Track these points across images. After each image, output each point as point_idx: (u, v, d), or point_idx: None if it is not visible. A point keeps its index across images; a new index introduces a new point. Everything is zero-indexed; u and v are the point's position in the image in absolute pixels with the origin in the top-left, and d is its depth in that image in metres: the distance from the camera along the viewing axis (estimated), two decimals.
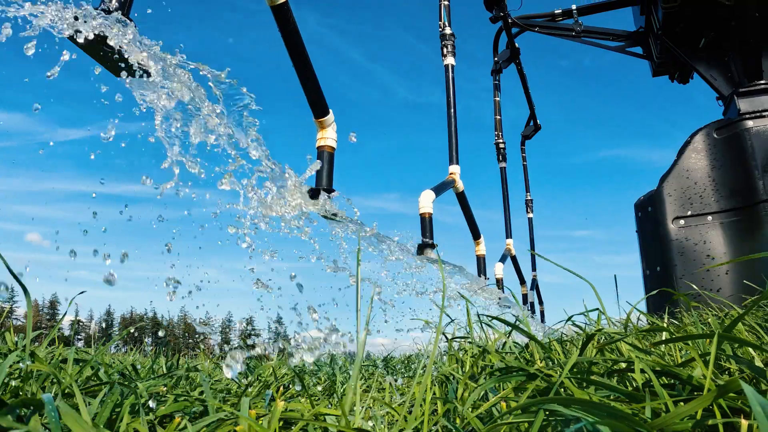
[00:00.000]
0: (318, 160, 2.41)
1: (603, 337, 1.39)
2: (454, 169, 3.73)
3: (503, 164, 6.38)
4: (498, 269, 5.17)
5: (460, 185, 3.73)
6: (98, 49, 1.23)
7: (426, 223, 3.12)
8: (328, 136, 2.40)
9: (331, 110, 2.43)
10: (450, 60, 4.12)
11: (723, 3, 4.98)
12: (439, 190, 3.38)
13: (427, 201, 3.16)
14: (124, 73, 1.32)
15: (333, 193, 2.31)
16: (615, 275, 1.97)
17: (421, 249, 3.02)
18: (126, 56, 1.21)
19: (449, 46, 4.15)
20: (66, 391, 1.10)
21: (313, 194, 2.34)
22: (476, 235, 4.07)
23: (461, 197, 3.80)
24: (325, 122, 2.41)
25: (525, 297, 6.50)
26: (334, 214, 2.25)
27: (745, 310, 1.00)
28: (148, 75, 1.24)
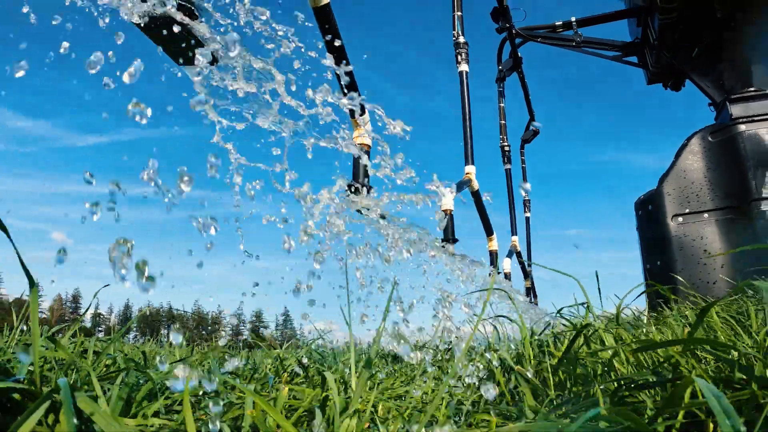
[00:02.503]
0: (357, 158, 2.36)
1: (590, 331, 1.37)
2: (470, 170, 3.69)
3: (508, 166, 6.36)
4: (506, 264, 5.14)
5: (476, 184, 3.69)
6: (161, 31, 1.16)
7: (447, 220, 3.08)
8: (364, 135, 2.36)
9: (367, 110, 2.39)
10: (464, 67, 4.08)
11: (716, 15, 4.95)
12: (458, 188, 3.35)
13: (447, 198, 3.12)
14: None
15: (371, 190, 2.27)
16: (596, 272, 1.92)
17: (446, 241, 2.99)
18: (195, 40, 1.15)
19: (463, 54, 4.12)
20: (86, 379, 1.07)
21: (350, 189, 2.30)
22: (489, 231, 4.03)
23: (476, 196, 3.76)
24: (362, 121, 2.37)
25: (528, 290, 6.48)
26: (382, 215, 2.20)
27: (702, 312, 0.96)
28: (216, 62, 1.18)
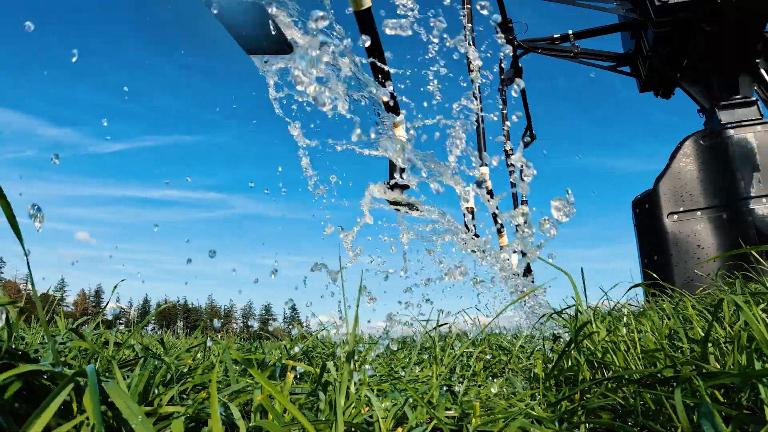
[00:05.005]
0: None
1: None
2: (484, 170, 3.68)
3: (512, 168, 6.36)
4: (514, 260, 5.12)
5: (489, 184, 3.68)
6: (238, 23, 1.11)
7: (469, 217, 3.06)
8: (400, 134, 2.33)
9: (402, 111, 2.36)
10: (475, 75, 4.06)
11: (705, 29, 4.94)
12: (476, 187, 3.34)
13: (469, 197, 3.11)
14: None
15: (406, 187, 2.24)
16: (582, 268, 1.94)
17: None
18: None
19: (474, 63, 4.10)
20: (107, 366, 1.06)
21: (390, 187, 2.28)
22: (500, 228, 4.01)
23: (489, 194, 3.75)
24: (398, 122, 2.34)
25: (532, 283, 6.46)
26: (412, 205, 2.18)
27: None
28: (290, 50, 1.14)
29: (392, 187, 2.18)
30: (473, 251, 2.93)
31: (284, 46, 1.14)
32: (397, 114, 2.23)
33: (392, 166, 2.25)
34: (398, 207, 2.17)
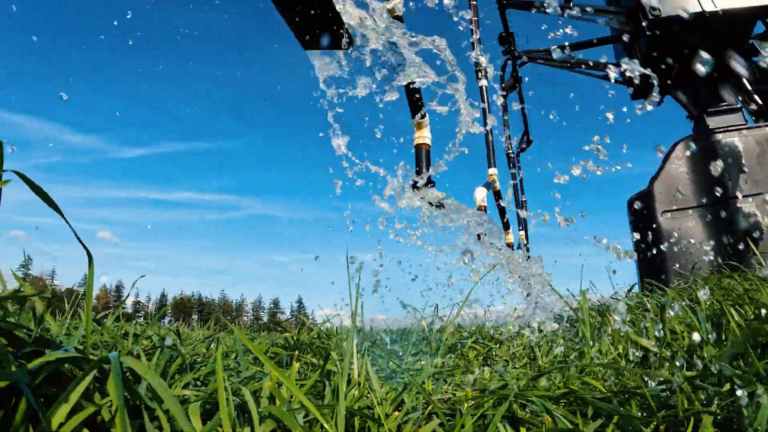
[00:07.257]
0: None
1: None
2: (493, 171, 3.56)
3: (513, 170, 6.27)
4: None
5: (497, 184, 3.56)
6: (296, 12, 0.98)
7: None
8: (425, 135, 2.20)
9: (427, 112, 2.23)
10: (483, 82, 3.96)
11: (694, 40, 4.84)
12: (486, 187, 3.22)
13: (481, 195, 2.99)
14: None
15: (432, 185, 2.12)
16: (559, 262, 1.87)
17: (479, 237, 2.85)
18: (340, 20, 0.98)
19: (482, 71, 4.00)
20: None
21: (414, 186, 2.16)
22: (506, 225, 3.89)
23: (497, 194, 3.62)
24: (423, 122, 2.21)
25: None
26: (440, 204, 2.06)
27: None
28: (350, 44, 1.02)
29: (414, 185, 2.06)
30: (480, 235, 2.80)
31: (343, 42, 1.00)
32: (423, 115, 2.11)
33: (419, 161, 2.12)
34: (431, 203, 2.06)
